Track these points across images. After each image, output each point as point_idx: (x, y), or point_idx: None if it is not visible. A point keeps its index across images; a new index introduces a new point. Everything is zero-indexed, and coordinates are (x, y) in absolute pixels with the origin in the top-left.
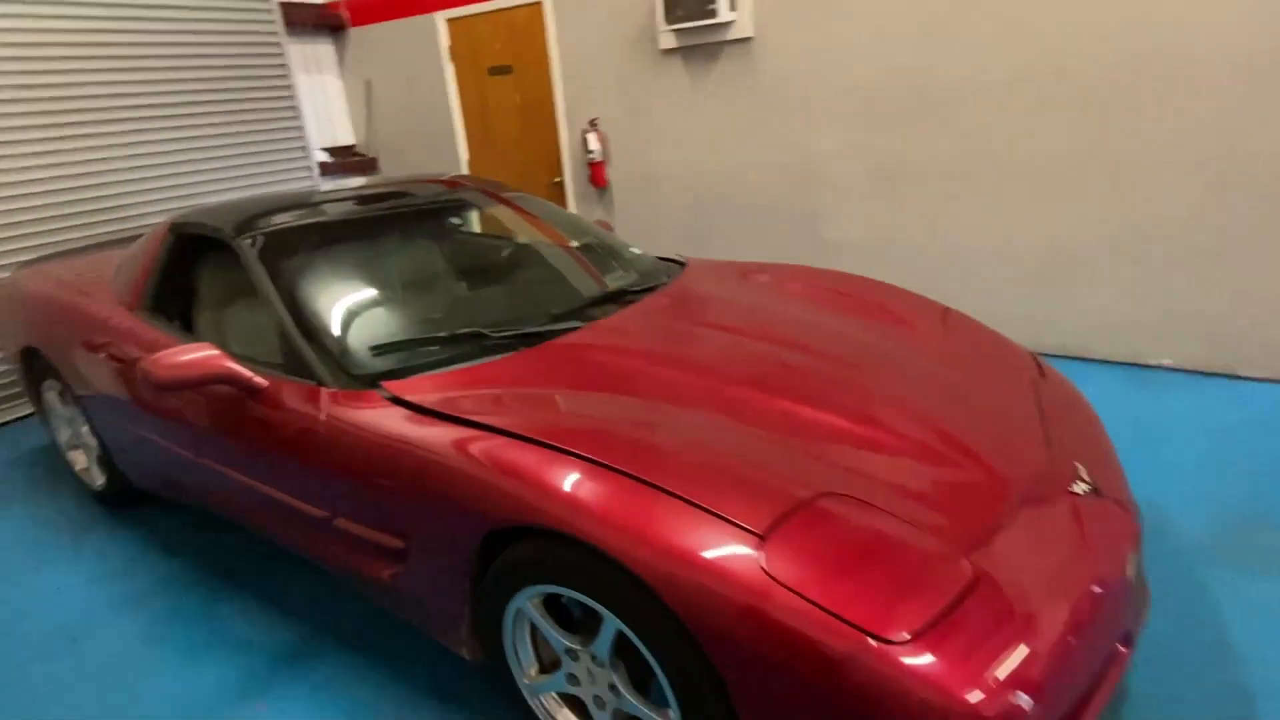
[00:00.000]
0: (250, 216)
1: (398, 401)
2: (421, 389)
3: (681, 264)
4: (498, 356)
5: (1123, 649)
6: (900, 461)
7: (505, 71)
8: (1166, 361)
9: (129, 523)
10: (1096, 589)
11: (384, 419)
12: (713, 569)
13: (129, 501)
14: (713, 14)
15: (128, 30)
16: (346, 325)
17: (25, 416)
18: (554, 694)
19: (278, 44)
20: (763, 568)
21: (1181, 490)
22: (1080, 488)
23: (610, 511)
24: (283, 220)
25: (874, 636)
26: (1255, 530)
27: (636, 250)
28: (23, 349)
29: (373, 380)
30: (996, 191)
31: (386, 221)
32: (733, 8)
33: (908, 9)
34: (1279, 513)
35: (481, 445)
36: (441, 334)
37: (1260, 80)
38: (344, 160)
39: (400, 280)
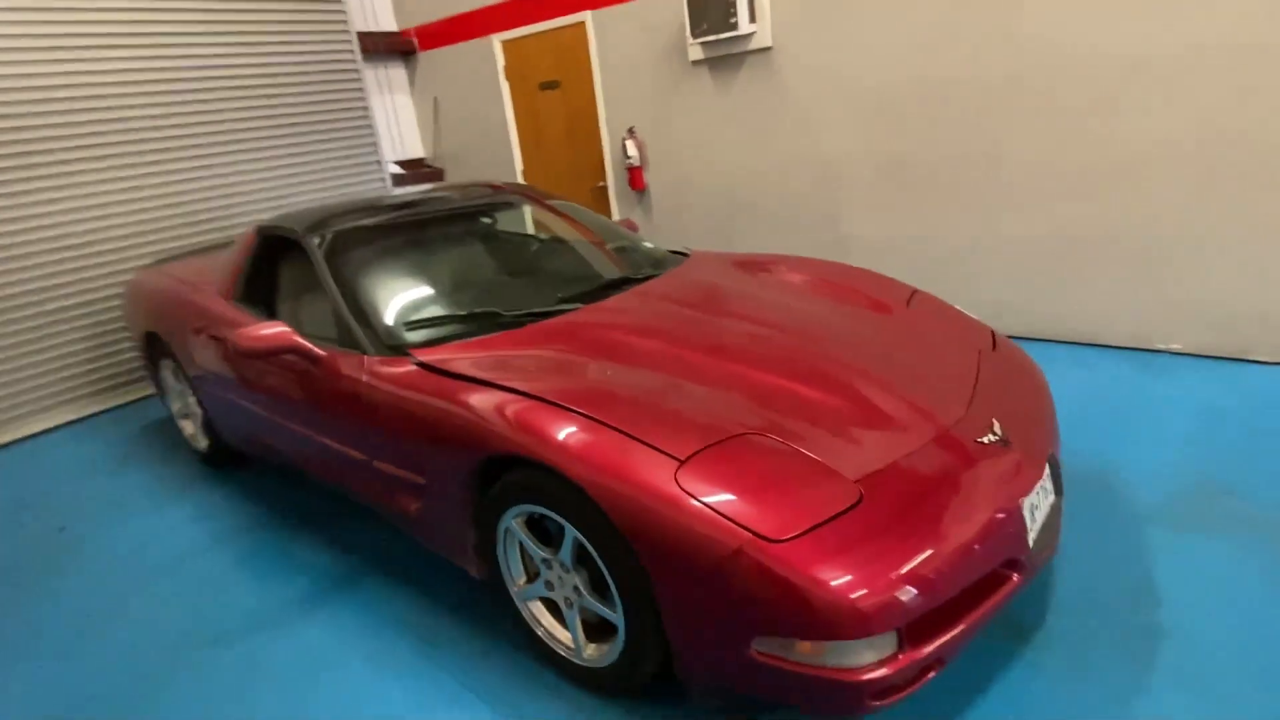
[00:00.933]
0: (319, 220)
1: (422, 364)
2: (441, 354)
3: (686, 255)
4: (508, 330)
5: (1013, 575)
6: (828, 411)
7: (554, 86)
8: (1175, 346)
9: (224, 479)
10: (979, 516)
11: (411, 377)
12: (641, 485)
13: (226, 462)
14: (734, 27)
15: (229, 65)
16: (387, 306)
17: (146, 397)
18: (538, 599)
19: (356, 70)
20: (677, 483)
21: (1151, 462)
22: (989, 439)
23: (568, 443)
24: (345, 222)
25: (759, 535)
26: (1211, 497)
27: (649, 245)
28: (145, 334)
29: (405, 349)
30: (1003, 186)
31: (428, 222)
32: (752, 20)
33: (912, 18)
34: (1243, 484)
35: (479, 395)
36: (462, 313)
37: (1246, 73)
38: (414, 171)
39: (434, 270)
